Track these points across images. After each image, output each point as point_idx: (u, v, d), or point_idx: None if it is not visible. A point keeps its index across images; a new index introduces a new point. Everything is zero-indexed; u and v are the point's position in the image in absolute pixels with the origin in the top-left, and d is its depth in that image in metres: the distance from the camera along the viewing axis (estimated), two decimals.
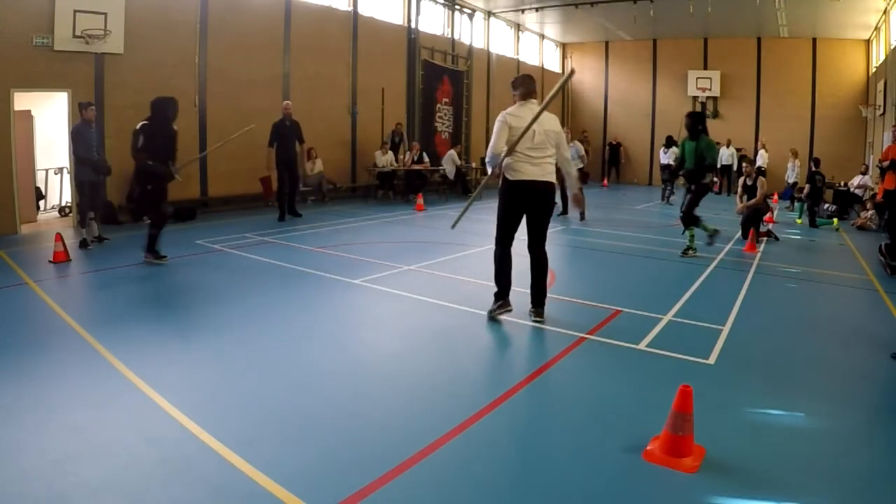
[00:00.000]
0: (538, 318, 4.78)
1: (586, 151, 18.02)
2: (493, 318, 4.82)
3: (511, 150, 4.51)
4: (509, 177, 4.63)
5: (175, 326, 4.58)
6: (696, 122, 7.75)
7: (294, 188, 10.43)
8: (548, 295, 4.89)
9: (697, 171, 7.67)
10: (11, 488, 2.40)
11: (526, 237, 4.79)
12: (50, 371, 3.62)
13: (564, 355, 4.11)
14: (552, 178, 4.71)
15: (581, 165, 11.87)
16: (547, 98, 4.34)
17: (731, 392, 3.57)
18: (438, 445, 2.83)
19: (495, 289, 4.85)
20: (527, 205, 4.69)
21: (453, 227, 5.46)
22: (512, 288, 4.83)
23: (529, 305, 4.85)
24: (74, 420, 3.00)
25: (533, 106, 4.63)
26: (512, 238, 4.80)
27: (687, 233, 7.89)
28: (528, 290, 4.82)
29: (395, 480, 2.53)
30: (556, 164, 4.76)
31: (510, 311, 4.82)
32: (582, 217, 11.16)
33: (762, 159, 16.73)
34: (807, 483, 2.64)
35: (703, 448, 2.80)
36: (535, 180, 4.59)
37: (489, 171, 4.75)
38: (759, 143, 17.64)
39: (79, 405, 3.18)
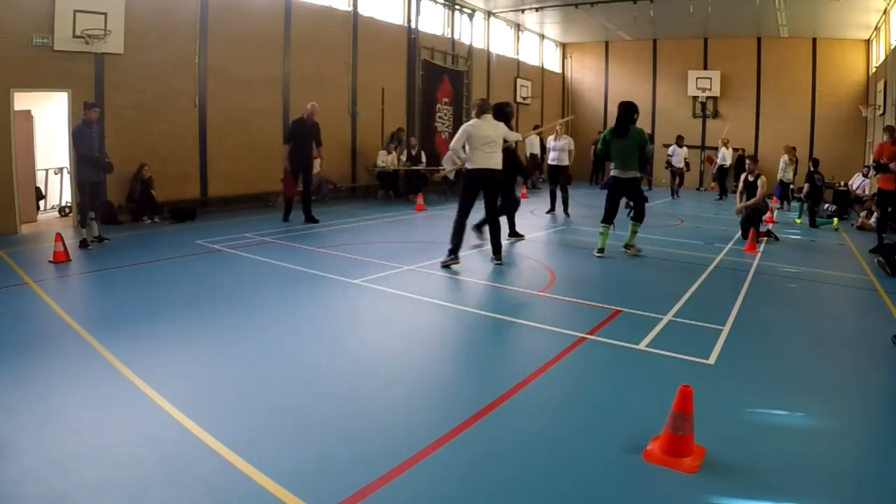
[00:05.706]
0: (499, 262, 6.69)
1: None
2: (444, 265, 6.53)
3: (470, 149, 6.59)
4: (469, 166, 6.63)
5: (175, 326, 4.58)
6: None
7: (307, 192, 9.89)
8: (550, 292, 4.89)
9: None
10: (11, 488, 2.40)
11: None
12: (50, 371, 3.62)
13: (564, 355, 4.11)
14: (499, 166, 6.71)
15: (567, 163, 11.84)
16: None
17: (731, 392, 3.57)
18: (438, 445, 2.84)
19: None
20: (481, 186, 6.69)
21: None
22: (511, 284, 4.82)
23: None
24: (74, 420, 3.00)
25: (486, 120, 6.67)
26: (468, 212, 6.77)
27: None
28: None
29: (395, 480, 2.53)
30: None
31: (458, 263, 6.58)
32: (566, 210, 11.67)
33: (726, 158, 16.75)
34: (807, 483, 2.64)
35: (703, 448, 2.80)
36: (487, 168, 6.59)
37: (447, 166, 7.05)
38: (721, 142, 17.12)
39: (79, 405, 3.18)
